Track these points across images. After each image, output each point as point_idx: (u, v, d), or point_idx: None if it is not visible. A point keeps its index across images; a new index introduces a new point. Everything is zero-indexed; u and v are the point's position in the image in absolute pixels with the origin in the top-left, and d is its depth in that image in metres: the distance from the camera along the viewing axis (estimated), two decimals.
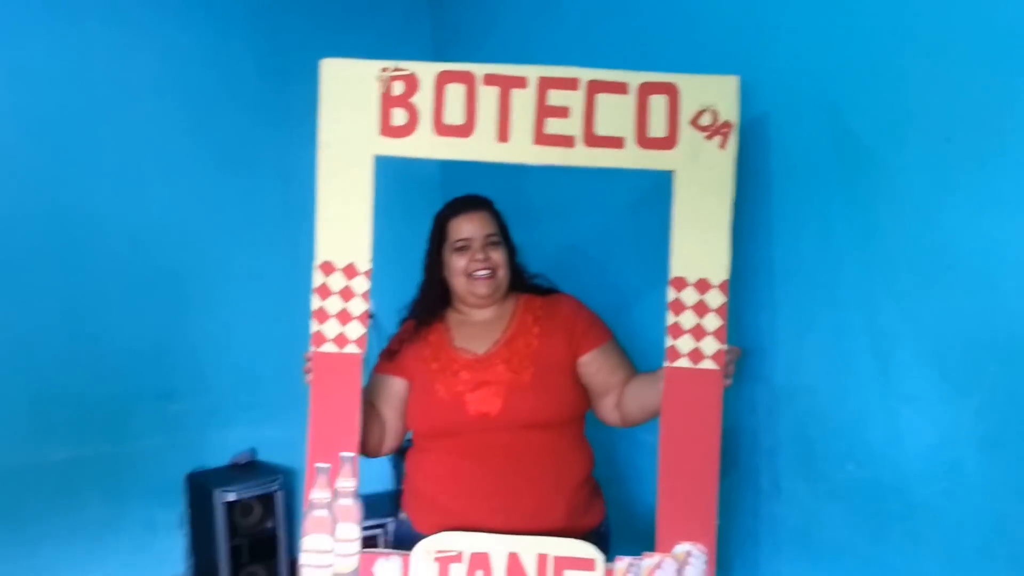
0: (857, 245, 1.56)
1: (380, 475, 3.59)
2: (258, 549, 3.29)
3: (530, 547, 1.61)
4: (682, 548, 1.59)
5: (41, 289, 3.18)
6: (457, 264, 1.78)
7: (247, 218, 3.55)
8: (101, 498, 3.31)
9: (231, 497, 3.20)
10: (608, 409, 1.79)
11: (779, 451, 1.78)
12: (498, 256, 1.79)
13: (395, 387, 1.80)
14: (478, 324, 1.82)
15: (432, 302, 1.84)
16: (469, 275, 1.76)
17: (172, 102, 3.41)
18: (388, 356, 1.82)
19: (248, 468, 3.48)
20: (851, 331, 1.58)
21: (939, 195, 1.38)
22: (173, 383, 3.45)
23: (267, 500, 3.31)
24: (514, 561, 1.60)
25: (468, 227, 1.78)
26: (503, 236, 1.84)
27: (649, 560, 1.60)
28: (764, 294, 1.80)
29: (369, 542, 2.86)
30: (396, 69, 1.60)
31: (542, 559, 1.60)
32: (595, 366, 1.78)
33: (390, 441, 1.81)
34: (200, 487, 3.32)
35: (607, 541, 1.79)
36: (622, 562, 1.60)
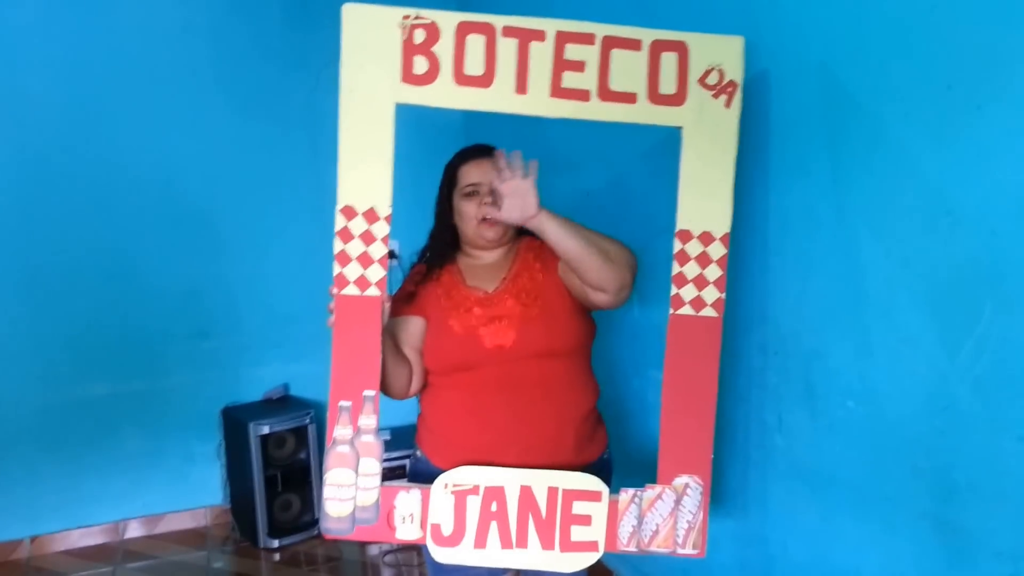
0: (859, 192, 1.58)
1: (409, 410, 3.68)
2: (291, 479, 3.41)
3: (542, 480, 1.68)
4: (681, 480, 1.69)
5: (80, 233, 3.28)
6: (467, 209, 1.82)
7: (276, 162, 3.60)
8: (141, 431, 3.46)
9: (265, 430, 3.30)
10: (597, 296, 1.73)
11: (784, 388, 1.83)
12: None
13: (415, 326, 1.85)
14: (486, 266, 1.88)
15: (443, 246, 1.89)
16: (479, 220, 1.81)
17: (200, 48, 3.44)
18: (405, 298, 1.87)
19: (281, 402, 3.59)
20: (854, 276, 1.62)
21: (939, 143, 1.40)
22: (208, 322, 3.56)
23: (300, 432, 3.42)
24: (526, 493, 1.68)
25: (477, 172, 1.82)
26: None
27: (651, 491, 1.69)
28: (772, 240, 1.84)
29: (398, 472, 2.97)
30: (417, 17, 1.59)
31: (552, 491, 1.67)
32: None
33: (417, 381, 1.87)
34: (235, 421, 3.43)
35: (610, 469, 1.88)
36: (626, 493, 1.69)
